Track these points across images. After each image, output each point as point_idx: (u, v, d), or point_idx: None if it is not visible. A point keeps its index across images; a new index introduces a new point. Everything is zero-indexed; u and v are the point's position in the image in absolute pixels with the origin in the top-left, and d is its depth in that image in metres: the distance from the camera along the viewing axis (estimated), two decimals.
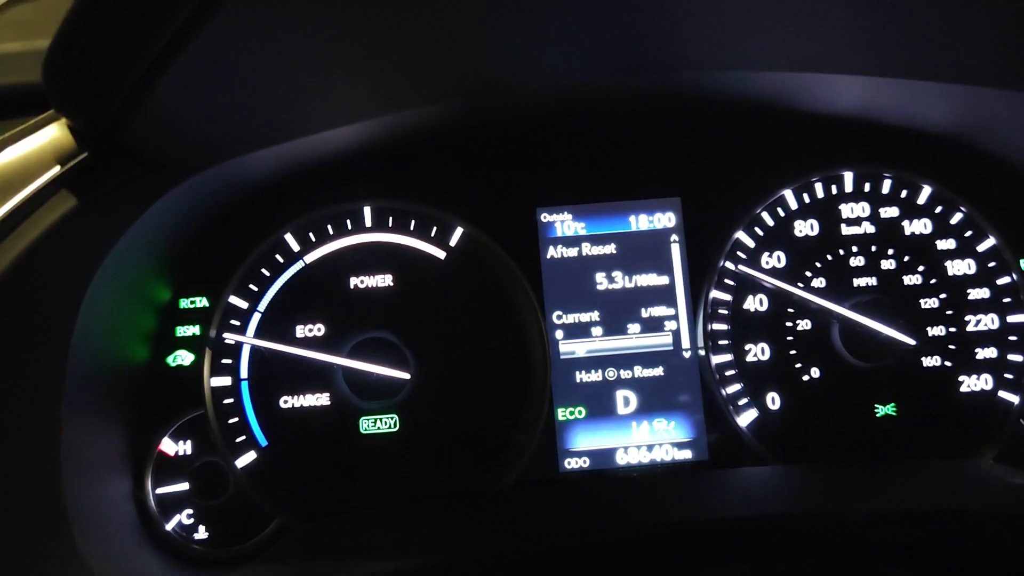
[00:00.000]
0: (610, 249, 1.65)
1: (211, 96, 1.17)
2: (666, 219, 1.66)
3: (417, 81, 1.37)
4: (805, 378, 1.60)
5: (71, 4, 1.00)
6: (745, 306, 1.62)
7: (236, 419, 1.55)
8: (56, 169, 1.21)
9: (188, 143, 1.30)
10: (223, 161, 1.36)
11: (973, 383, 1.60)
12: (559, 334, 1.63)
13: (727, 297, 1.62)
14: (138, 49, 1.02)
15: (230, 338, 1.57)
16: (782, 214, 1.65)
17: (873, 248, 1.63)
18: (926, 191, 1.65)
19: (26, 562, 1.23)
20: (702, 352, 1.61)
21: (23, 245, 1.19)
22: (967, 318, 1.62)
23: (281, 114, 1.32)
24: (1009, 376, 1.60)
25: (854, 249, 1.63)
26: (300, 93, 1.27)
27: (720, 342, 1.61)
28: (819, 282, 1.62)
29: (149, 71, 1.05)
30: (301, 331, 1.58)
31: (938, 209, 1.65)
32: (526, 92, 1.46)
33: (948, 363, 1.60)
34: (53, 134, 1.26)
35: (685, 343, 1.63)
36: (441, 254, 1.61)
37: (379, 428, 1.56)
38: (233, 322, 1.57)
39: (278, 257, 1.60)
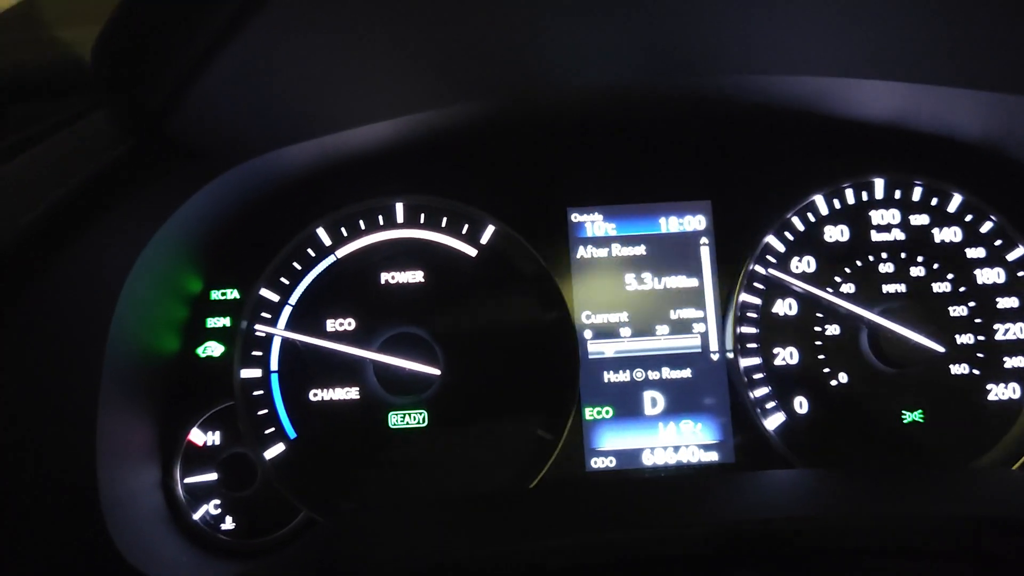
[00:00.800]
0: (640, 250, 1.66)
1: (257, 87, 1.18)
2: (696, 221, 1.67)
3: (455, 78, 1.37)
4: (833, 383, 1.60)
5: None
6: (774, 310, 1.62)
7: (265, 411, 1.56)
8: (98, 157, 1.22)
9: (231, 134, 1.31)
10: (262, 153, 1.38)
11: (1001, 391, 1.60)
12: (588, 334, 1.63)
13: (756, 301, 1.63)
14: (190, 37, 1.04)
15: (261, 330, 1.57)
16: (812, 219, 1.65)
17: (903, 255, 1.63)
18: (956, 199, 1.65)
19: (60, 546, 1.24)
20: (730, 355, 1.61)
21: (66, 234, 1.20)
22: (996, 327, 1.62)
23: (322, 108, 1.33)
24: None
25: (884, 255, 1.63)
26: (342, 88, 1.28)
27: (749, 345, 1.61)
28: (848, 287, 1.62)
29: (199, 59, 1.06)
30: (332, 325, 1.58)
31: (968, 217, 1.65)
32: (562, 92, 1.47)
33: (976, 371, 1.60)
34: (97, 122, 1.27)
35: (713, 345, 1.63)
36: (472, 251, 1.62)
37: (408, 423, 1.57)
38: (264, 315, 1.58)
39: (310, 251, 1.60)
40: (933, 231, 1.65)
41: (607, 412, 1.62)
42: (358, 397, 1.57)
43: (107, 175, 1.22)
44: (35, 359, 1.22)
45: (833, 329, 1.61)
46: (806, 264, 1.63)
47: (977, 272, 1.63)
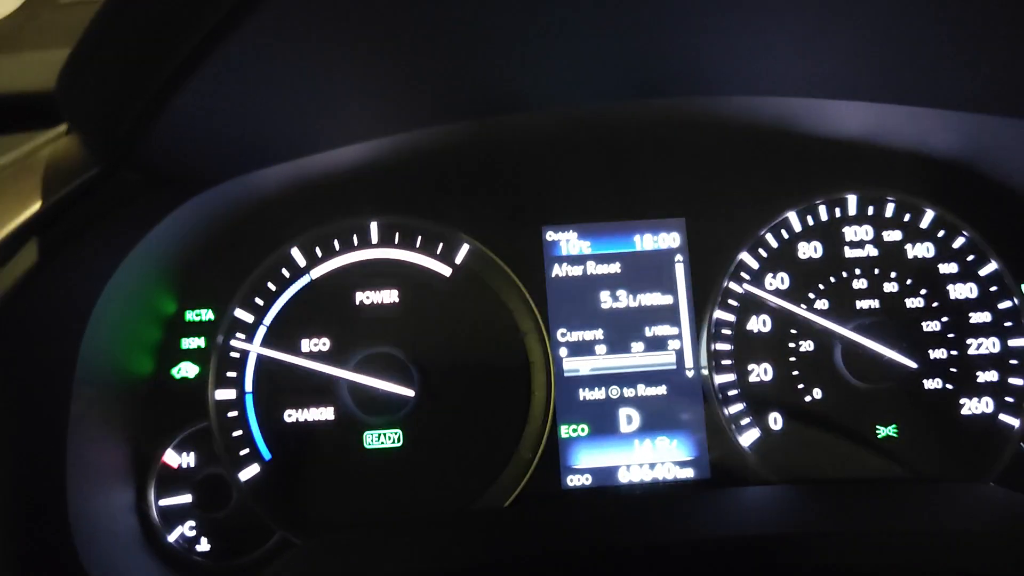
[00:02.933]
0: (615, 268, 1.66)
1: (227, 112, 1.18)
2: (671, 239, 1.67)
3: (428, 101, 1.38)
4: (807, 399, 1.61)
5: (92, 17, 1.01)
6: (748, 327, 1.63)
7: (240, 432, 1.55)
8: (67, 183, 1.21)
9: (201, 158, 1.31)
10: (234, 176, 1.38)
11: (974, 406, 1.61)
12: (563, 352, 1.63)
13: (730, 317, 1.63)
14: (158, 64, 1.03)
15: (236, 346, 1.57)
16: (786, 236, 1.66)
17: (876, 271, 1.64)
18: (929, 215, 1.66)
19: (29, 571, 1.23)
20: (705, 372, 1.62)
21: (35, 259, 1.20)
22: (968, 341, 1.62)
23: (295, 131, 1.33)
24: (1010, 399, 1.61)
25: (857, 272, 1.64)
26: (314, 112, 1.28)
27: (723, 362, 1.62)
28: (822, 304, 1.63)
29: (167, 86, 1.06)
30: (307, 345, 1.58)
31: (940, 233, 1.66)
32: (536, 113, 1.48)
33: (949, 386, 1.61)
34: (64, 147, 1.26)
35: (688, 362, 1.64)
36: (447, 271, 1.62)
37: (383, 443, 1.56)
38: (239, 335, 1.58)
39: (284, 272, 1.60)
40: (906, 247, 1.66)
41: (583, 430, 1.62)
42: (333, 417, 1.57)
43: (77, 199, 1.22)
44: (3, 381, 1.21)
45: (807, 345, 1.62)
46: (780, 281, 1.64)
47: (950, 287, 1.64)
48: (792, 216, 1.66)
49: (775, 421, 1.60)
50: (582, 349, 1.64)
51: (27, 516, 1.23)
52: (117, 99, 1.10)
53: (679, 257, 1.67)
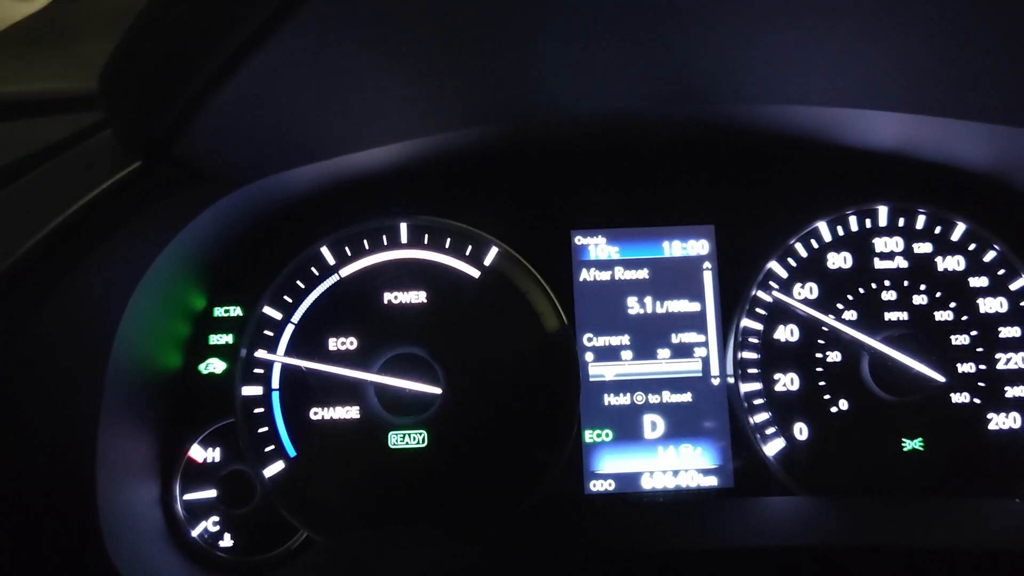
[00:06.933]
0: (643, 274, 1.66)
1: (266, 110, 1.18)
2: (699, 246, 1.67)
3: (462, 103, 1.38)
4: (833, 410, 1.60)
5: (136, 15, 1.02)
6: (776, 336, 1.62)
7: (266, 429, 1.56)
8: (107, 177, 1.22)
9: (238, 156, 1.31)
10: (269, 174, 1.38)
11: (1002, 421, 1.60)
12: (589, 356, 1.63)
13: (758, 326, 1.63)
14: (201, 62, 1.04)
15: (262, 356, 1.57)
16: (815, 245, 1.65)
17: (905, 283, 1.63)
18: (960, 228, 1.66)
19: (56, 562, 1.24)
20: (731, 380, 1.62)
21: (72, 252, 1.21)
22: (998, 356, 1.62)
23: (330, 132, 1.33)
24: None
25: (886, 283, 1.63)
26: (350, 112, 1.29)
27: (749, 370, 1.62)
28: (851, 314, 1.62)
29: (208, 84, 1.07)
30: (334, 344, 1.59)
31: (971, 246, 1.65)
32: (569, 117, 1.48)
33: (977, 400, 1.60)
34: (102, 142, 1.27)
35: (714, 370, 1.64)
36: (475, 273, 1.62)
37: (408, 444, 1.57)
38: (266, 333, 1.58)
39: (313, 270, 1.61)
40: (936, 259, 1.65)
41: (607, 435, 1.62)
42: (358, 416, 1.57)
43: (113, 194, 1.22)
44: (38, 374, 1.22)
45: (834, 356, 1.61)
46: (808, 290, 1.64)
47: (979, 301, 1.63)
48: (822, 226, 1.66)
49: (800, 431, 1.60)
50: (608, 354, 1.64)
51: (57, 508, 1.24)
52: (159, 96, 1.11)
53: (707, 264, 1.66)
